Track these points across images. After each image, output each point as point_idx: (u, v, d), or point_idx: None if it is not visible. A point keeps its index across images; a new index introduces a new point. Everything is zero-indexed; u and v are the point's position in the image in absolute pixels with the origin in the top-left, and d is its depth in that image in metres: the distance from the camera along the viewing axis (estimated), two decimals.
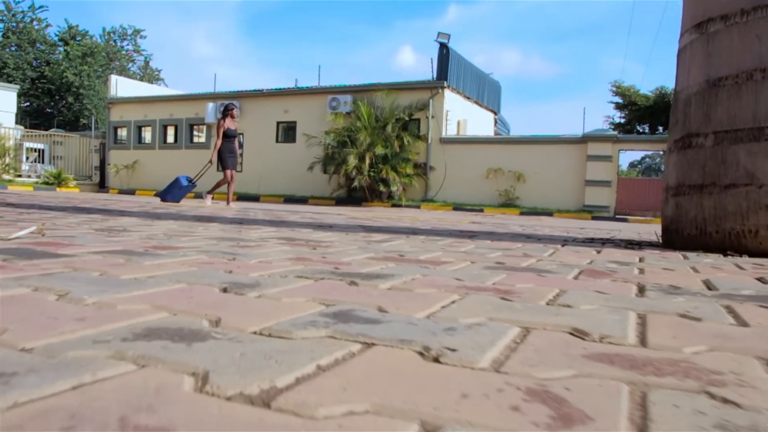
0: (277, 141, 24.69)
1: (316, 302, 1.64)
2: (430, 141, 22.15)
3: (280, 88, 24.70)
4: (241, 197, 22.59)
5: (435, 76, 22.45)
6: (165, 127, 26.85)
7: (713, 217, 3.93)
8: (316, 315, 1.46)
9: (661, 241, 4.82)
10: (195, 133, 26.51)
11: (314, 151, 22.26)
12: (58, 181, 22.64)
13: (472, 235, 5.05)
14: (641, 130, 25.21)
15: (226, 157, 11.58)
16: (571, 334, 1.43)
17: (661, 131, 23.31)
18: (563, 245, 4.26)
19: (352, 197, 21.80)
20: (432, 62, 22.69)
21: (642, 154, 46.67)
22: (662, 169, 39.31)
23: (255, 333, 1.27)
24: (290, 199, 22.48)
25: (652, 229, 10.14)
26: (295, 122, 24.23)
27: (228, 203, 11.68)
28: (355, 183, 20.71)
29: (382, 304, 1.65)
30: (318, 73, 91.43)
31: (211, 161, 11.75)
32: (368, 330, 1.32)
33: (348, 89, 23.21)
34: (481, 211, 19.84)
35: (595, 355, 1.24)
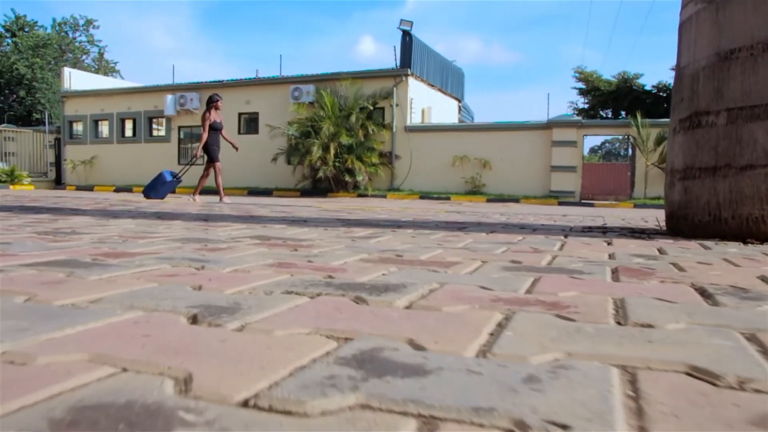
0: (239, 132, 23.96)
1: (322, 335, 1.18)
2: (395, 129, 21.73)
3: (241, 79, 23.99)
4: (204, 191, 21.82)
5: (398, 63, 22.01)
6: (123, 121, 25.89)
7: (728, 201, 3.56)
8: (330, 362, 1.00)
9: (665, 228, 4.45)
10: (154, 126, 25.62)
11: (277, 142, 21.66)
12: (11, 178, 21.61)
13: (461, 226, 4.61)
14: (604, 115, 25.09)
15: (214, 150, 10.97)
16: (692, 375, 1.00)
17: (624, 116, 23.24)
18: (566, 236, 3.85)
19: (317, 188, 21.27)
20: (395, 50, 22.24)
21: (602, 139, 46.93)
22: (621, 153, 39.57)
23: (246, 405, 0.81)
24: (254, 192, 21.84)
25: (626, 214, 9.86)
26: (257, 113, 23.57)
27: (221, 198, 11.12)
28: (320, 173, 20.21)
29: (412, 334, 1.19)
30: (279, 63, 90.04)
31: (196, 155, 11.15)
32: (417, 390, 0.87)
33: (310, 79, 22.63)
34: (448, 199, 19.51)
35: (758, 417, 0.82)
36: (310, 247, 2.90)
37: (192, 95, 23.80)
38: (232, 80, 24.00)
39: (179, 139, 25.04)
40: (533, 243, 3.33)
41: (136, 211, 6.08)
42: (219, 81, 24.08)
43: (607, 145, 47.33)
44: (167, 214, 5.51)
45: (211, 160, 10.96)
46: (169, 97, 23.88)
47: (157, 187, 11.22)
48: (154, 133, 25.58)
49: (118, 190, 22.89)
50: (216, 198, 11.75)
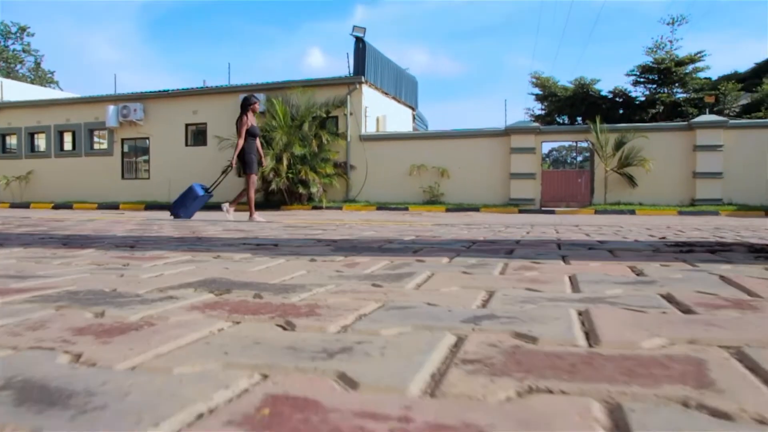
0: (186, 144, 22.16)
1: None
2: (349, 139, 20.30)
3: (188, 88, 22.17)
4: (150, 206, 20.01)
5: (352, 71, 20.61)
6: (61, 134, 23.64)
7: None
8: None
9: None
10: (95, 138, 23.49)
11: (227, 153, 19.86)
12: None
13: (501, 248, 3.20)
14: (561, 121, 24.20)
15: (251, 160, 9.02)
16: None
17: (580, 121, 22.34)
18: (692, 264, 2.47)
19: (269, 201, 19.64)
20: (348, 57, 20.86)
21: (549, 146, 46.26)
22: (568, 161, 38.91)
23: None
24: (204, 206, 20.01)
25: (593, 221, 8.64)
26: (205, 124, 21.78)
27: (251, 216, 8.77)
28: (273, 186, 18.60)
29: None
30: (228, 73, 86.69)
31: (231, 165, 9.18)
32: None
33: (261, 87, 21.03)
34: (406, 209, 18.18)
35: None
36: (310, 307, 1.44)
37: (136, 106, 21.85)
38: (179, 90, 22.14)
39: (123, 153, 23.00)
40: (656, 277, 1.93)
41: (44, 233, 4.48)
42: (165, 90, 22.20)
43: (554, 153, 46.86)
44: (80, 239, 3.93)
45: (252, 170, 9.00)
46: (111, 107, 21.86)
47: (186, 204, 9.13)
48: (96, 146, 23.42)
49: (57, 207, 20.76)
50: (161, 212, 9.98)
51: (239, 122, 8.70)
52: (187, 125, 22.08)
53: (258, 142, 9.12)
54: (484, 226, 6.41)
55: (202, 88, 22.29)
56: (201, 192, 9.05)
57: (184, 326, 1.25)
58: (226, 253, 2.91)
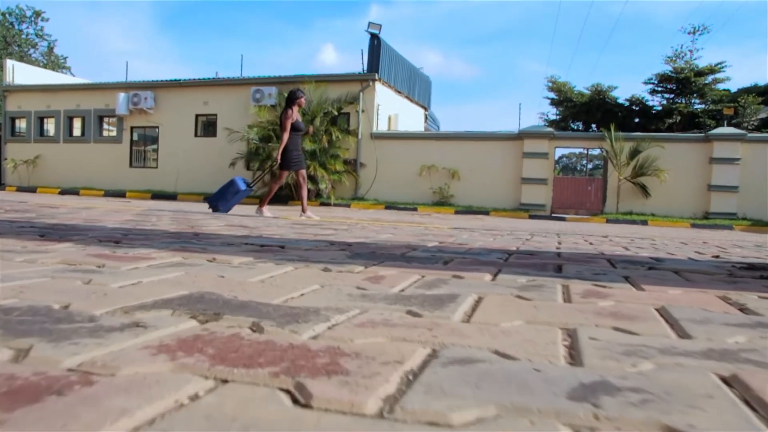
0: (196, 135, 21.72)
1: None
2: (360, 136, 19.83)
3: (200, 79, 21.72)
4: (157, 195, 19.59)
5: (365, 68, 20.14)
6: (71, 119, 23.22)
7: None
8: None
9: None
10: (105, 126, 23.07)
11: (237, 146, 19.47)
12: None
13: (555, 266, 2.72)
14: (575, 127, 23.63)
15: (291, 157, 8.32)
16: None
17: (595, 128, 21.79)
18: (744, 285, 2.00)
19: (277, 195, 19.10)
20: (362, 54, 20.39)
21: (560, 152, 45.48)
22: (578, 168, 38.26)
23: None
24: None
25: (613, 231, 8.16)
26: (215, 115, 21.34)
27: (304, 211, 8.37)
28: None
29: None
30: (240, 64, 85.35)
31: (276, 160, 8.52)
32: None
33: (273, 80, 20.56)
34: (415, 209, 17.72)
35: None
36: (341, 368, 0.96)
37: (146, 94, 21.40)
38: (190, 80, 21.68)
39: (132, 141, 22.57)
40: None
41: (27, 221, 4.03)
42: (176, 80, 21.74)
43: (564, 159, 46.18)
44: (63, 230, 3.47)
45: (286, 167, 8.34)
46: (122, 95, 21.41)
47: (227, 197, 8.48)
48: (105, 133, 22.98)
49: (63, 192, 20.36)
50: (166, 203, 9.53)
51: (284, 116, 8.14)
52: (197, 116, 21.65)
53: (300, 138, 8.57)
54: (506, 232, 5.94)
55: (213, 78, 21.84)
56: (243, 186, 8.48)
57: (138, 389, 0.79)
58: (223, 256, 2.44)
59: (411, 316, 1.39)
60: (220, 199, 8.25)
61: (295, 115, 8.12)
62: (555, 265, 2.61)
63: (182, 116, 21.55)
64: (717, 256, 3.59)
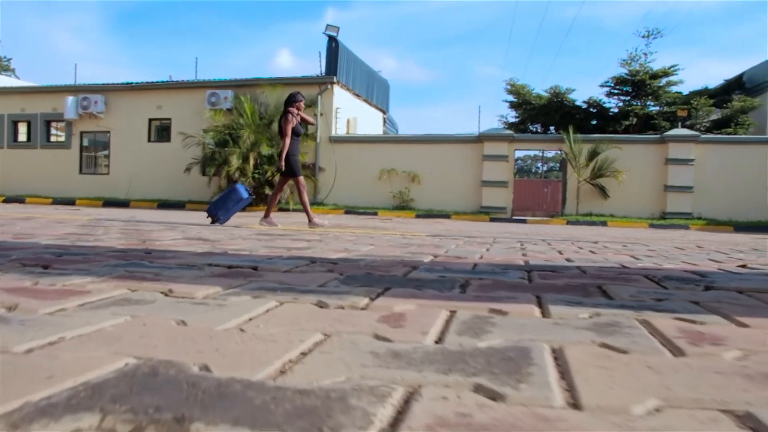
0: (149, 140, 20.74)
1: None
2: (318, 140, 19.23)
3: (153, 82, 20.75)
4: (108, 203, 18.59)
5: (323, 71, 19.54)
6: (15, 124, 21.90)
7: None
8: None
9: None
10: (53, 131, 21.85)
11: (192, 151, 18.58)
12: None
13: (596, 287, 2.22)
14: (534, 130, 23.42)
15: (296, 161, 7.82)
16: None
17: (554, 131, 21.59)
18: None
19: None
20: (320, 56, 19.78)
21: (517, 155, 45.30)
22: (533, 170, 38.27)
23: None
24: (165, 205, 18.74)
25: (583, 234, 7.80)
26: (169, 119, 20.41)
27: (310, 220, 7.67)
28: None
29: None
30: (195, 67, 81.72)
31: (280, 167, 7.81)
32: None
33: (229, 84, 19.78)
34: (375, 214, 17.19)
35: None
36: None
37: (97, 98, 20.30)
38: (143, 83, 20.67)
39: (81, 146, 21.42)
40: None
41: None
42: (128, 83, 20.71)
43: (518, 162, 45.97)
44: None
45: (292, 173, 7.76)
46: (71, 98, 20.26)
47: (228, 206, 7.74)
48: (53, 138, 21.73)
49: (7, 200, 19.14)
50: (119, 210, 8.76)
51: (283, 121, 7.63)
52: (150, 120, 20.68)
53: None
54: (490, 238, 5.45)
55: (167, 82, 20.90)
56: (245, 194, 7.74)
57: None
58: (183, 285, 1.87)
59: (492, 401, 0.86)
60: (220, 208, 7.48)
61: (296, 119, 7.58)
62: (593, 286, 2.10)
63: (135, 121, 20.56)
64: (744, 266, 3.16)
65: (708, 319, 1.53)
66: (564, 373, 1.02)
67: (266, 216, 7.71)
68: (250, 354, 1.09)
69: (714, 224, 15.93)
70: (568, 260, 3.26)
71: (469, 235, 6.19)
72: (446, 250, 3.75)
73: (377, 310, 1.56)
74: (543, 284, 2.12)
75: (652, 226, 15.57)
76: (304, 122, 7.93)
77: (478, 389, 0.91)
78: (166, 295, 1.70)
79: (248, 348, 1.14)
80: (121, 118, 20.56)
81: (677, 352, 1.19)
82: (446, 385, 0.93)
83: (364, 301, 1.68)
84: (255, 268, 2.36)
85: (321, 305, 1.60)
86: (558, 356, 1.14)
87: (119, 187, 20.39)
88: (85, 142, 21.58)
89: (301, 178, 7.83)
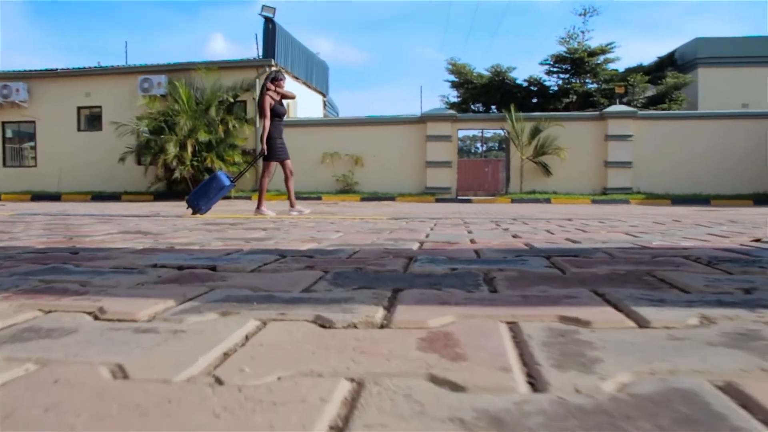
0: (79, 129, 19.48)
1: None
2: (258, 125, 18.42)
3: (80, 68, 19.43)
4: (38, 196, 17.34)
5: (261, 53, 18.74)
6: None
7: None
8: None
9: None
10: None
11: (126, 140, 17.48)
12: None
13: (656, 279, 1.78)
14: (475, 109, 23.15)
15: (278, 144, 7.22)
16: None
17: (495, 110, 21.38)
18: None
19: (173, 190, 17.49)
20: (256, 38, 18.95)
21: (461, 134, 45.12)
22: (472, 151, 38.15)
23: None
24: (100, 197, 17.63)
25: (546, 210, 7.52)
26: (100, 107, 19.20)
27: (292, 206, 7.33)
28: (176, 174, 16.48)
29: None
30: (125, 53, 74.85)
31: (263, 150, 7.22)
32: None
33: (162, 68, 18.72)
34: (320, 198, 16.63)
35: None
36: None
37: (18, 85, 18.84)
38: (69, 69, 19.29)
39: (4, 137, 19.94)
40: None
41: None
42: (52, 69, 19.30)
43: (458, 143, 45.73)
44: None
45: (272, 157, 7.23)
46: None
47: (209, 194, 7.02)
48: None
49: None
50: (50, 204, 7.96)
51: (261, 101, 7.03)
52: (79, 108, 19.41)
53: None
54: (459, 219, 5.00)
55: (95, 67, 19.62)
56: (227, 182, 7.01)
57: None
58: (118, 300, 1.33)
59: None
60: (201, 197, 6.75)
61: (274, 99, 6.96)
62: (645, 274, 1.67)
63: (62, 109, 19.23)
64: (759, 240, 2.82)
65: None
66: None
67: (259, 206, 7.18)
68: None
69: (652, 198, 16.11)
70: (571, 241, 2.85)
71: (431, 217, 5.75)
72: (426, 234, 3.28)
73: (406, 327, 1.07)
74: (583, 274, 1.68)
75: (594, 201, 15.59)
76: (284, 98, 7.32)
77: None
78: (96, 317, 1.17)
79: (240, 425, 0.64)
80: (47, 107, 19.21)
81: None
82: None
83: (378, 312, 1.19)
84: (213, 269, 1.83)
85: (322, 323, 1.11)
86: (747, 404, 0.68)
87: (49, 180, 19.10)
88: (9, 134, 20.13)
89: (288, 162, 7.34)
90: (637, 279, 1.58)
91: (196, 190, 6.99)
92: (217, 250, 2.41)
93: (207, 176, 16.60)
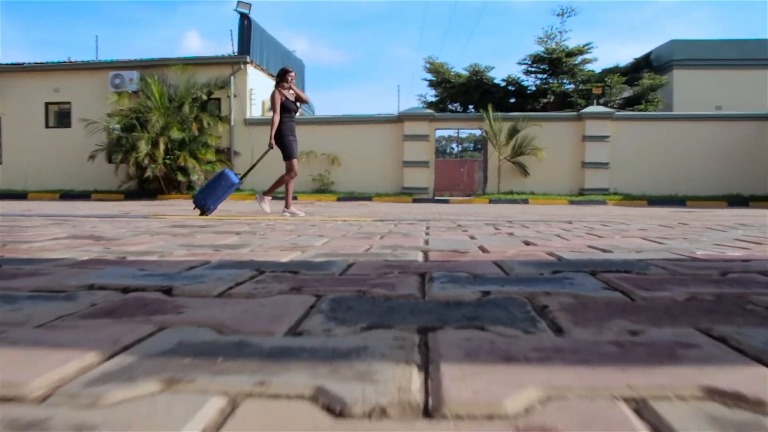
0: (47, 126, 18.66)
1: None
2: (233, 123, 17.88)
3: (48, 62, 18.60)
4: (3, 195, 16.53)
5: (236, 50, 18.14)
6: None
7: None
8: None
9: None
10: None
11: (96, 137, 16.73)
12: None
13: (756, 315, 1.36)
14: (453, 109, 22.75)
15: (290, 141, 6.94)
16: None
17: (473, 109, 21.02)
18: None
19: (145, 189, 16.82)
20: (231, 35, 18.37)
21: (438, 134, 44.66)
22: (447, 151, 37.86)
23: None
24: (69, 195, 16.90)
25: (534, 211, 7.15)
26: (69, 104, 18.41)
27: (287, 206, 6.94)
28: (148, 173, 15.81)
29: None
30: (96, 48, 71.93)
31: (270, 145, 6.94)
32: None
33: (134, 64, 18.01)
34: (295, 198, 16.08)
35: None
36: None
37: None
38: (36, 63, 18.45)
39: None
40: None
41: None
42: (19, 64, 18.43)
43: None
44: None
45: (292, 155, 7.00)
46: None
47: (218, 192, 6.64)
48: None
49: None
50: (16, 203, 7.37)
51: (273, 97, 6.84)
52: (47, 104, 18.59)
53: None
54: (449, 221, 4.57)
55: (64, 62, 18.78)
56: (236, 179, 6.55)
57: None
58: (15, 352, 0.88)
59: None
60: (210, 196, 6.30)
61: (285, 94, 6.71)
62: (736, 297, 1.26)
63: (29, 105, 18.39)
64: None
65: None
66: None
67: (286, 206, 6.90)
68: None
69: (629, 199, 15.92)
70: (597, 249, 2.43)
71: (417, 218, 5.32)
72: (424, 240, 2.85)
73: (470, 414, 0.64)
74: (660, 300, 1.26)
75: (571, 202, 15.33)
76: (299, 100, 7.06)
77: None
78: None
79: None
80: (13, 103, 18.36)
81: None
82: None
83: (412, 378, 0.75)
84: (168, 291, 1.37)
85: (329, 404, 0.66)
86: None
87: (14, 178, 18.28)
88: None
89: (294, 161, 7.04)
90: (739, 308, 1.16)
91: (203, 189, 6.59)
92: (178, 261, 1.94)
93: (179, 175, 16.21)
